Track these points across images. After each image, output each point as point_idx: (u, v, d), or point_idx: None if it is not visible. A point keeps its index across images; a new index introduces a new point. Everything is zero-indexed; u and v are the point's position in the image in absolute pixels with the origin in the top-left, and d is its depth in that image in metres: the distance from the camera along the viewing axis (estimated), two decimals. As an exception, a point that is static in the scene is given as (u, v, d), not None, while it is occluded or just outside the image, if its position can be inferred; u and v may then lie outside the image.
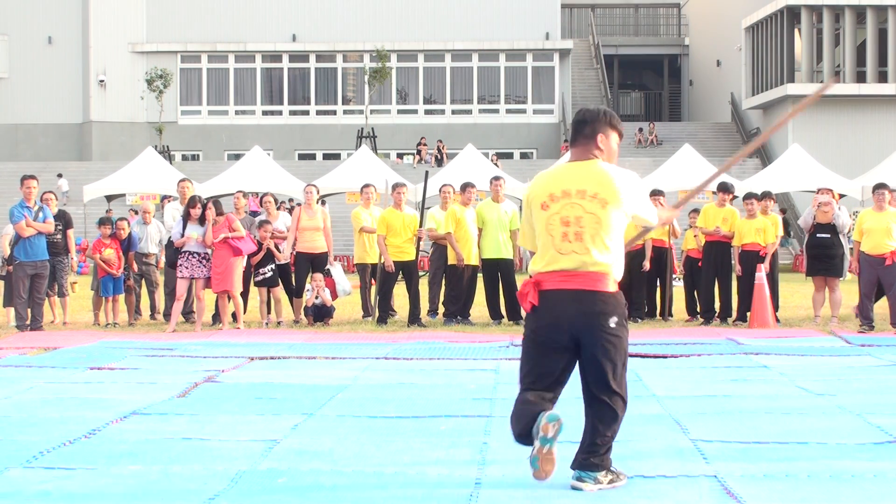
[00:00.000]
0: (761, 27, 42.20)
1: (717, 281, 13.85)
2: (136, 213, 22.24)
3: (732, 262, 13.90)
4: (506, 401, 7.67)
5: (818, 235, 13.82)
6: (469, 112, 45.57)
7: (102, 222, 14.42)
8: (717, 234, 13.82)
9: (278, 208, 14.89)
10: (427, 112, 45.59)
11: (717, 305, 13.99)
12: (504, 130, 44.99)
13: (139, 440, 6.25)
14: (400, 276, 13.72)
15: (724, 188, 14.22)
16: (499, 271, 13.75)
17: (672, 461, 5.66)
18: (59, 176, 36.82)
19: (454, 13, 44.91)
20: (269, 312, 13.79)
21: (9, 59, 44.21)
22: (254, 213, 15.51)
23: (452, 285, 13.67)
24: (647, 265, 13.97)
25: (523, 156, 44.55)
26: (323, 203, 20.23)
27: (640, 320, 13.84)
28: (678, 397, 7.76)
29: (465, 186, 14.02)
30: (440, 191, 14.41)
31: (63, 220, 13.83)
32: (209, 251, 13.03)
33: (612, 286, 4.96)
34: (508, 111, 45.50)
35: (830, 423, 6.71)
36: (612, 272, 4.94)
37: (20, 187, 13.27)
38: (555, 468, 5.00)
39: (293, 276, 14.14)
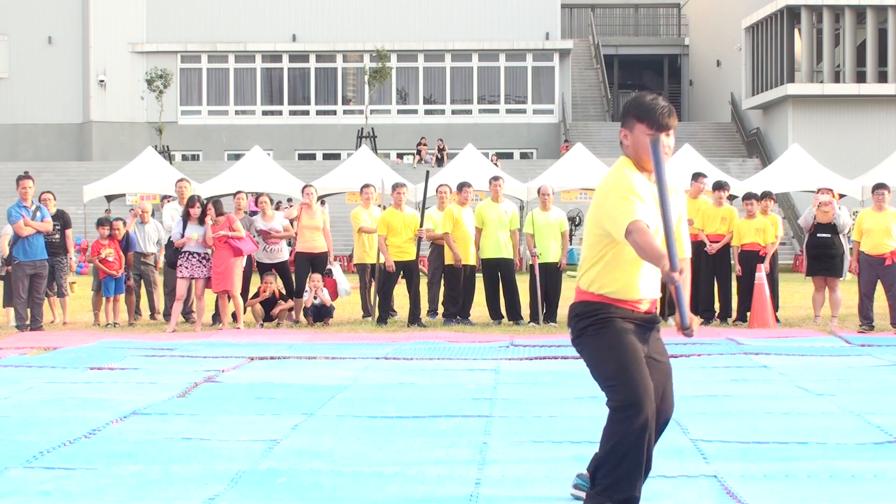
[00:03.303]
0: (761, 27, 42.19)
1: (717, 281, 13.85)
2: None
3: (732, 262, 13.90)
4: (506, 401, 7.69)
5: (818, 235, 13.81)
6: (469, 112, 45.55)
7: (100, 223, 14.42)
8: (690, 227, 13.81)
9: (276, 208, 14.90)
10: (427, 112, 45.57)
11: (716, 305, 13.99)
12: (504, 130, 44.98)
13: (139, 440, 6.25)
14: (401, 276, 13.73)
15: (719, 185, 14.19)
16: (499, 271, 13.75)
17: (672, 461, 5.66)
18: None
19: (454, 13, 44.90)
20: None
21: (9, 59, 44.19)
22: (253, 213, 15.51)
23: (451, 285, 13.66)
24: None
25: (523, 156, 44.53)
26: (322, 203, 20.24)
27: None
28: (678, 397, 7.72)
29: (462, 186, 14.02)
30: (437, 191, 14.40)
31: (61, 219, 13.83)
32: (209, 251, 13.04)
33: (585, 296, 4.53)
34: (508, 111, 45.48)
35: (830, 423, 6.71)
36: (585, 283, 4.53)
37: (16, 188, 13.29)
38: None
39: (293, 276, 14.13)
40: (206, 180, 30.46)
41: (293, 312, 13.93)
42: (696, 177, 14.25)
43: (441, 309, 14.17)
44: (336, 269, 14.39)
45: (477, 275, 13.92)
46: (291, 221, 15.20)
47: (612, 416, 4.37)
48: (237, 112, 45.39)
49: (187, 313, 13.95)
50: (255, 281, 14.30)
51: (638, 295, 4.45)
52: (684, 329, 4.30)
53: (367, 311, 14.48)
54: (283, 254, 14.23)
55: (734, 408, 7.30)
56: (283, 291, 14.10)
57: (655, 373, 4.49)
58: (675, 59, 54.61)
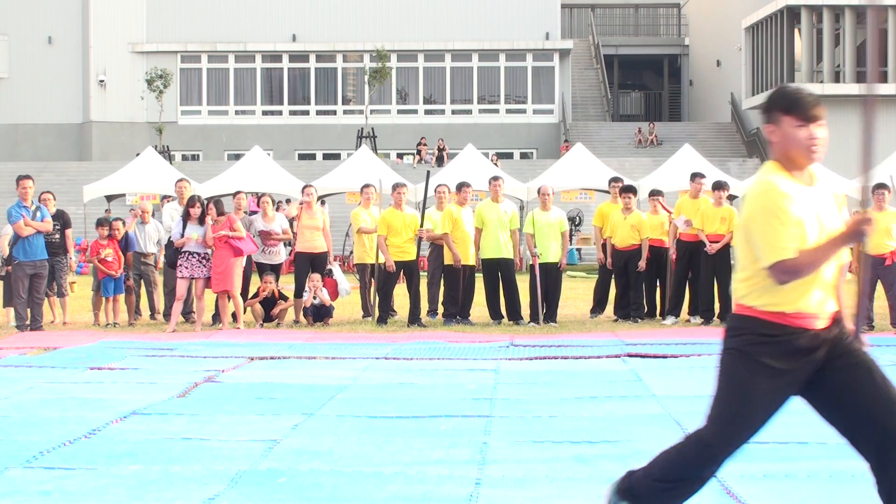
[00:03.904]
0: (761, 27, 42.20)
1: (717, 281, 13.84)
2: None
3: (732, 262, 13.89)
4: (506, 401, 7.69)
5: (818, 235, 13.80)
6: (469, 112, 45.55)
7: (100, 223, 14.42)
8: (690, 227, 13.81)
9: (277, 209, 14.90)
10: (427, 112, 45.57)
11: (717, 305, 13.99)
12: (504, 130, 44.98)
13: (139, 440, 6.25)
14: (401, 276, 13.72)
15: (719, 185, 14.20)
16: (499, 271, 13.74)
17: (672, 461, 5.65)
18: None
19: (454, 13, 44.90)
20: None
21: (9, 59, 44.19)
22: (253, 213, 15.52)
23: (451, 286, 13.66)
24: (642, 265, 13.96)
25: (523, 156, 44.53)
26: (322, 203, 20.25)
27: (640, 320, 13.85)
28: (678, 397, 7.75)
29: (461, 186, 14.01)
30: (435, 191, 14.38)
31: (61, 219, 13.83)
32: (209, 251, 13.04)
33: (738, 309, 3.97)
34: (508, 111, 45.48)
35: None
36: (737, 294, 3.98)
37: (16, 188, 13.29)
38: None
39: (294, 275, 14.13)
40: (206, 180, 30.45)
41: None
42: (694, 177, 14.33)
43: (441, 309, 14.17)
44: (336, 269, 14.39)
45: (477, 275, 13.92)
46: (291, 221, 15.19)
47: (692, 441, 3.95)
48: (237, 112, 45.39)
49: (187, 313, 13.94)
50: (255, 281, 14.30)
51: (807, 308, 3.84)
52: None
53: (367, 311, 14.48)
54: (280, 255, 14.24)
55: (734, 408, 7.29)
56: (282, 291, 14.11)
57: (855, 402, 3.86)
58: (675, 59, 54.61)
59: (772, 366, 3.83)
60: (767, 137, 4.00)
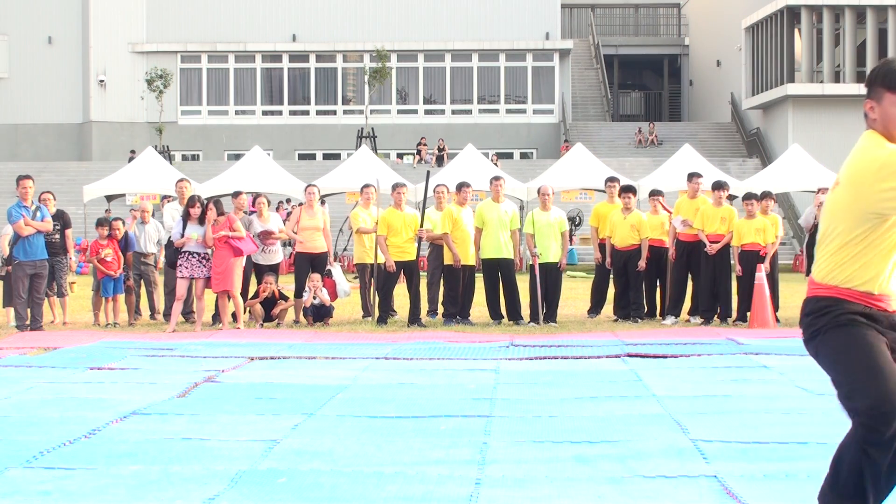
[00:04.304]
0: (761, 27, 42.20)
1: (717, 281, 13.84)
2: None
3: (732, 262, 13.90)
4: (506, 401, 7.68)
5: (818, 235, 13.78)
6: (469, 112, 45.56)
7: (100, 223, 14.42)
8: (688, 227, 13.80)
9: (276, 210, 14.89)
10: (427, 112, 45.58)
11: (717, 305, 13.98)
12: (504, 130, 44.98)
13: (139, 440, 6.25)
14: (401, 276, 13.71)
15: (718, 185, 14.19)
16: (499, 271, 13.74)
17: (672, 461, 5.66)
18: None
19: (454, 13, 44.91)
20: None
21: (9, 59, 44.20)
22: (252, 213, 15.51)
23: (451, 286, 13.66)
24: (642, 265, 13.96)
25: (523, 156, 44.54)
26: (323, 203, 20.26)
27: (639, 320, 13.85)
28: (678, 397, 7.75)
29: (461, 186, 14.00)
30: (434, 191, 14.37)
31: (61, 219, 13.83)
32: (209, 251, 13.04)
33: (819, 290, 3.89)
34: (508, 111, 45.49)
35: (830, 423, 6.70)
36: (821, 274, 3.91)
37: (16, 188, 13.29)
38: None
39: (294, 276, 14.12)
40: (206, 180, 30.45)
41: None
42: (691, 177, 14.33)
43: (441, 309, 14.17)
44: (336, 269, 14.38)
45: (477, 275, 13.92)
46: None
47: (855, 428, 3.77)
48: (237, 112, 45.40)
49: (187, 313, 13.95)
50: (254, 281, 14.30)
51: (884, 289, 3.80)
52: None
53: (367, 311, 14.48)
54: (278, 255, 14.24)
55: (734, 408, 7.30)
56: (282, 291, 14.11)
57: None
58: (675, 59, 54.62)
59: (866, 322, 3.78)
60: (865, 112, 3.87)
